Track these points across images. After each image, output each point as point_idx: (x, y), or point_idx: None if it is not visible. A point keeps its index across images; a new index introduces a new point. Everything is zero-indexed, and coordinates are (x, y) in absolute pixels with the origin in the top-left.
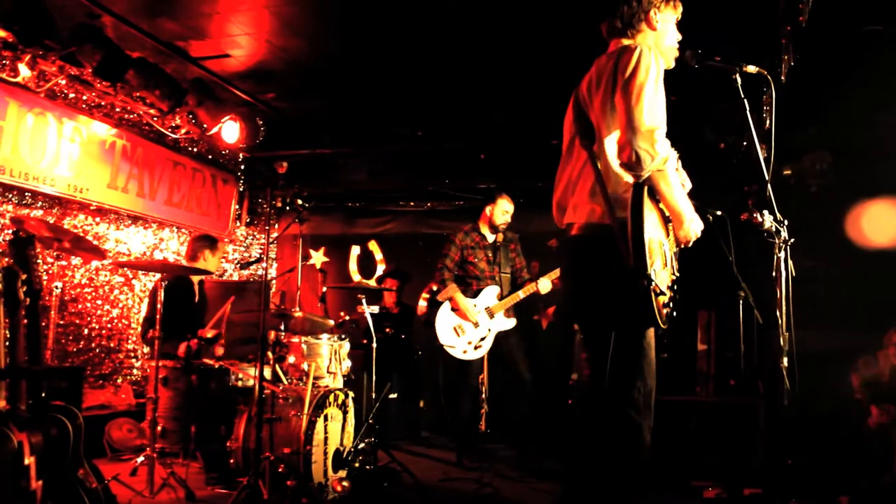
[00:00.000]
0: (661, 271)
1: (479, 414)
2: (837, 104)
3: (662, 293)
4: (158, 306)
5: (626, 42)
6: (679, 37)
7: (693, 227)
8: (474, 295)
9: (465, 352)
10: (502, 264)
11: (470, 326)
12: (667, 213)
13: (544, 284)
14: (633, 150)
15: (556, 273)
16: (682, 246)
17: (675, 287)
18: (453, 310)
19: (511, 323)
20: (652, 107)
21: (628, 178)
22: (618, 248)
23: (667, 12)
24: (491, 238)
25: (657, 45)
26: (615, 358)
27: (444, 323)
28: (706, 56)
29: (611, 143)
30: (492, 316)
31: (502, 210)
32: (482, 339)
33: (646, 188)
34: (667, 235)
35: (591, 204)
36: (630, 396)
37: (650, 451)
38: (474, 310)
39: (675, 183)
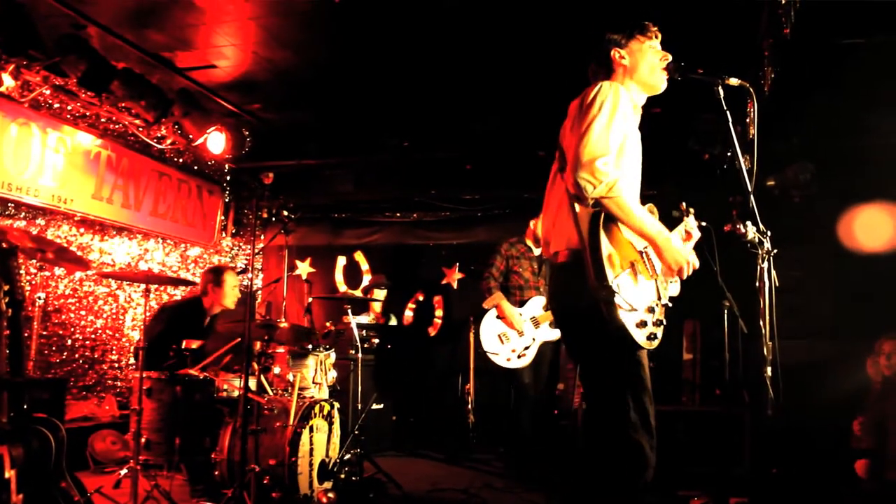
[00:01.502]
0: (632, 289)
1: (532, 427)
2: (820, 115)
3: (634, 310)
4: (144, 317)
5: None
6: (661, 62)
7: (675, 249)
8: (520, 304)
9: (508, 360)
10: (548, 276)
11: (515, 335)
12: (644, 251)
13: None
14: (575, 180)
15: None
16: (678, 278)
17: (660, 313)
18: (498, 318)
19: (555, 334)
20: (597, 138)
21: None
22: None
23: (633, 45)
24: (537, 251)
25: (636, 79)
26: (603, 378)
27: (489, 330)
28: (688, 69)
29: None
30: (537, 325)
31: None
32: (526, 347)
33: (602, 216)
34: (640, 263)
35: (569, 232)
36: (625, 416)
37: (654, 472)
38: (520, 318)
39: (634, 208)
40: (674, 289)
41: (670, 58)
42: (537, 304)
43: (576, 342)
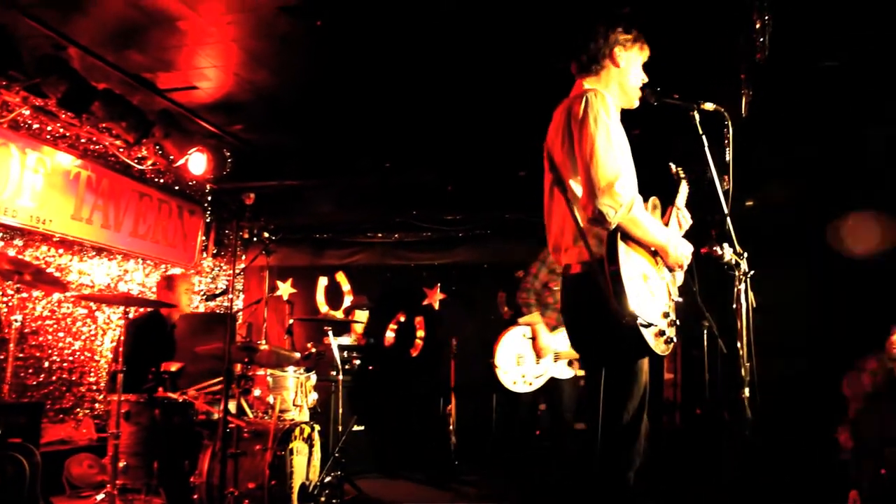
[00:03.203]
0: (649, 303)
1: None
2: (799, 135)
3: (651, 325)
4: (122, 338)
5: (587, 82)
6: (645, 78)
7: (678, 252)
8: (552, 330)
9: (514, 382)
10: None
11: (532, 360)
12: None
13: None
14: (596, 208)
15: None
16: (679, 270)
17: (673, 314)
18: (530, 338)
19: (570, 373)
20: (606, 159)
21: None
22: (601, 287)
23: (633, 52)
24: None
25: (620, 83)
26: (608, 388)
27: (510, 346)
28: (664, 94)
29: (578, 190)
30: (556, 360)
31: None
32: (537, 376)
33: (619, 233)
34: (655, 265)
35: (578, 247)
36: (621, 420)
37: (636, 475)
38: (550, 349)
39: (647, 222)
40: (679, 277)
41: (646, 79)
42: (564, 337)
43: (588, 353)
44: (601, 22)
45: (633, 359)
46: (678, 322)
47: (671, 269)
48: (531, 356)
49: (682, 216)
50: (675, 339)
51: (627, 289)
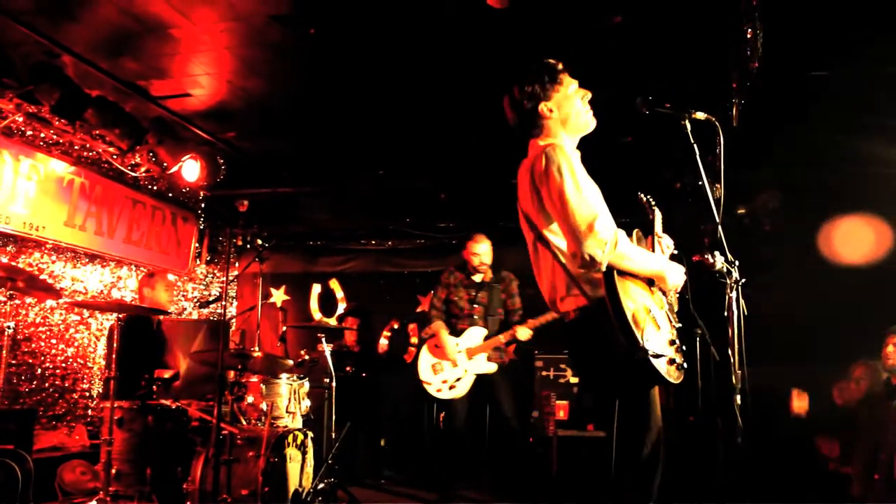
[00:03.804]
0: (656, 335)
1: (453, 456)
2: (789, 144)
3: (661, 355)
4: (115, 345)
5: (540, 141)
6: (586, 107)
7: (673, 277)
8: (458, 334)
9: (439, 390)
10: (491, 305)
11: (448, 365)
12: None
13: (523, 332)
14: (584, 253)
15: (538, 321)
16: (676, 293)
17: (677, 340)
18: (436, 346)
19: (490, 367)
20: (580, 204)
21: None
22: (606, 329)
23: (555, 97)
24: (477, 277)
25: (568, 126)
26: (624, 417)
27: (425, 359)
28: (656, 103)
29: (558, 241)
30: (470, 357)
31: (472, 252)
32: (458, 379)
33: (614, 272)
34: (652, 296)
35: (572, 295)
36: (642, 445)
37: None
38: (455, 349)
39: (636, 254)
40: (675, 304)
41: (590, 95)
42: (477, 334)
43: (602, 391)
44: (514, 87)
45: (647, 388)
46: (684, 347)
47: (665, 294)
48: (446, 363)
49: (663, 243)
50: (685, 366)
51: (634, 329)
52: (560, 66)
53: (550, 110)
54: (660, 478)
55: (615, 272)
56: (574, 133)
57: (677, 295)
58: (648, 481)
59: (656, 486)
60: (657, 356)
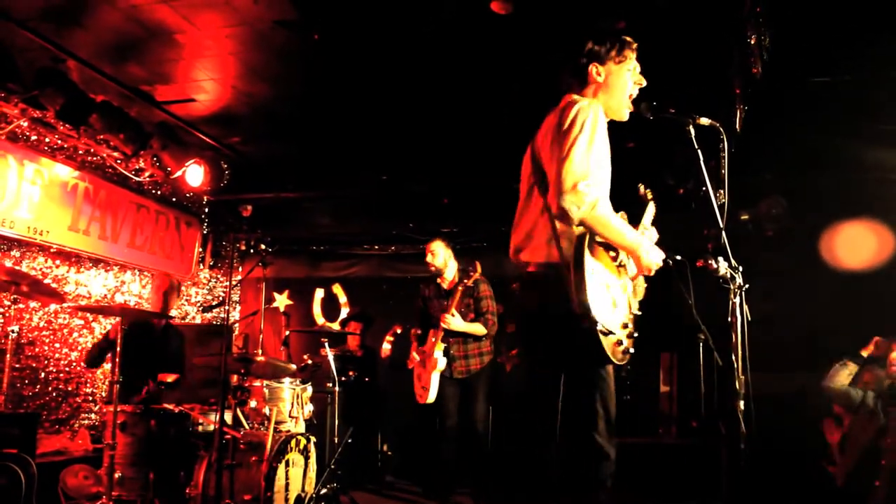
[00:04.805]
0: (610, 312)
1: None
2: (792, 150)
3: (611, 333)
4: (118, 349)
5: (574, 97)
6: (634, 90)
7: (650, 257)
8: (424, 342)
9: (420, 397)
10: (462, 312)
11: (423, 374)
12: (619, 259)
13: (454, 322)
14: (559, 204)
15: (454, 301)
16: (644, 275)
17: (632, 326)
18: (415, 355)
19: (443, 362)
20: (579, 160)
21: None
22: (566, 289)
23: (610, 66)
24: (445, 284)
25: (606, 98)
26: (575, 393)
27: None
28: (660, 108)
29: None
30: (423, 358)
31: (426, 260)
32: (423, 388)
33: (587, 237)
34: (618, 277)
35: (548, 248)
36: (595, 425)
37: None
38: (415, 355)
39: (616, 223)
40: (640, 292)
41: (644, 83)
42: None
43: (548, 353)
44: (583, 38)
45: (590, 365)
46: (636, 335)
47: (636, 276)
48: (421, 371)
49: (648, 235)
50: (632, 351)
51: (590, 294)
52: (633, 44)
53: (599, 74)
54: (613, 466)
55: (588, 237)
56: (607, 108)
57: (646, 286)
58: (603, 461)
59: (612, 465)
60: (606, 333)
